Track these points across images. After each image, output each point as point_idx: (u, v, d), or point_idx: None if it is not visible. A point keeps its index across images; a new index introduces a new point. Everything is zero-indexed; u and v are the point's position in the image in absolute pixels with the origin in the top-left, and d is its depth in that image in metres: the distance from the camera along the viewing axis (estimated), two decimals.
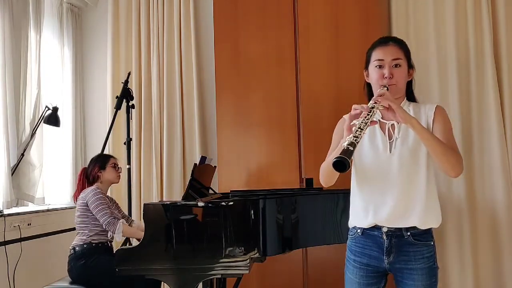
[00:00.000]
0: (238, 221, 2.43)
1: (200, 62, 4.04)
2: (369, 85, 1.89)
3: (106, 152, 3.43)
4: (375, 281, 1.78)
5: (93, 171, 3.11)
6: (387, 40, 1.86)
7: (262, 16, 3.62)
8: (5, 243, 3.19)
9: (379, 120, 1.80)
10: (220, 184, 3.54)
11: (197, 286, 2.43)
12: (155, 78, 4.03)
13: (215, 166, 3.38)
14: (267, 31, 3.61)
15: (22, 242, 3.32)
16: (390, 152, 1.76)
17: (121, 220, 2.91)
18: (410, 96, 1.89)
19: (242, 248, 2.39)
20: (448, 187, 3.53)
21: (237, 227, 2.42)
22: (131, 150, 3.62)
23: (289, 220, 2.57)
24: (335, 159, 1.46)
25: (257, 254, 2.44)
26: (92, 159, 3.20)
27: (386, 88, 1.74)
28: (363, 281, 1.77)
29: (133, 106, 3.61)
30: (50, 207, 3.75)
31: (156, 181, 3.96)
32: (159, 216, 2.46)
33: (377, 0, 3.57)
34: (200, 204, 2.44)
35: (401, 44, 1.85)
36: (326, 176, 1.82)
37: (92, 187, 3.01)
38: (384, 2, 3.71)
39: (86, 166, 3.20)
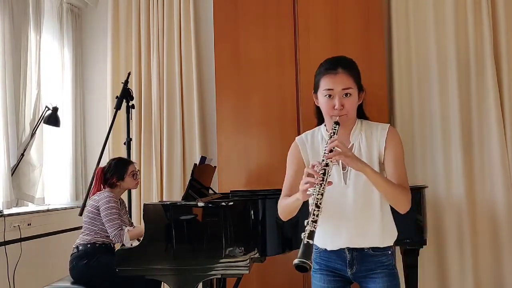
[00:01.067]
0: (238, 221, 2.43)
1: (200, 62, 4.04)
2: (318, 108, 1.84)
3: (105, 152, 3.41)
4: (341, 285, 1.82)
5: (111, 180, 3.07)
6: (336, 66, 1.74)
7: (262, 16, 3.62)
8: (5, 243, 3.18)
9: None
10: (220, 184, 3.53)
11: (197, 286, 2.43)
12: (155, 78, 4.03)
13: (215, 166, 3.38)
14: (267, 31, 3.61)
15: (22, 242, 3.31)
16: (345, 184, 1.75)
17: (126, 229, 2.89)
18: (361, 115, 1.85)
19: (242, 248, 2.39)
20: (448, 187, 3.53)
21: (237, 227, 2.42)
22: (131, 150, 3.62)
23: (289, 220, 2.56)
24: (296, 262, 1.44)
25: (257, 254, 2.44)
26: (111, 164, 3.12)
27: (337, 125, 1.70)
28: (331, 285, 1.81)
29: (133, 106, 3.61)
30: (50, 207, 3.74)
31: (156, 181, 3.96)
32: (159, 216, 2.46)
33: (377, 0, 3.57)
34: (200, 204, 2.44)
35: (350, 70, 1.75)
36: (286, 215, 1.82)
37: (107, 193, 2.99)
38: (384, 2, 3.71)
39: (104, 166, 3.13)
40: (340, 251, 1.78)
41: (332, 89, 1.73)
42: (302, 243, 1.47)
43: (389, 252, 1.80)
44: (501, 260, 3.44)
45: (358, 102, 1.79)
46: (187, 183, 2.70)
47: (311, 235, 1.49)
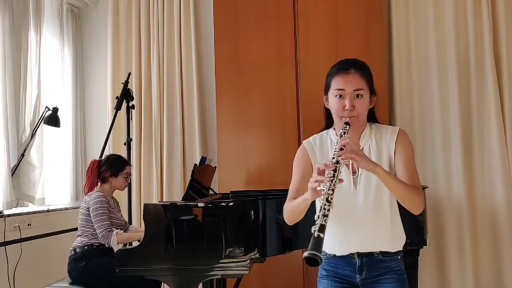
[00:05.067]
0: (238, 222, 2.43)
1: (200, 62, 4.04)
2: (328, 110, 1.82)
3: (105, 152, 3.41)
4: None
5: (104, 174, 3.06)
6: (348, 66, 1.74)
7: (262, 16, 3.62)
8: (5, 243, 3.18)
9: None
10: (220, 184, 3.53)
11: (197, 286, 2.43)
12: (155, 78, 4.03)
13: (215, 167, 3.38)
14: (267, 31, 3.61)
15: (22, 242, 3.31)
16: (356, 189, 1.72)
17: (115, 232, 2.88)
18: (372, 118, 1.82)
19: (242, 248, 2.39)
20: (448, 187, 3.53)
21: (237, 227, 2.42)
22: (131, 151, 3.61)
23: None
24: (306, 255, 1.37)
25: (257, 255, 2.44)
26: (110, 159, 3.12)
27: (347, 126, 1.67)
28: None
29: (133, 107, 3.61)
30: (50, 207, 3.74)
31: (156, 181, 3.96)
32: (159, 217, 2.46)
33: (377, 0, 3.57)
34: (200, 204, 2.44)
35: (362, 71, 1.74)
36: (292, 218, 1.74)
37: (97, 193, 2.98)
38: (384, 2, 3.71)
39: (100, 160, 3.14)
40: (349, 257, 1.74)
41: (343, 89, 1.71)
42: (312, 237, 1.40)
43: (398, 257, 1.77)
44: (501, 260, 3.44)
45: (369, 106, 1.76)
46: (187, 183, 2.70)
47: (322, 228, 1.42)
